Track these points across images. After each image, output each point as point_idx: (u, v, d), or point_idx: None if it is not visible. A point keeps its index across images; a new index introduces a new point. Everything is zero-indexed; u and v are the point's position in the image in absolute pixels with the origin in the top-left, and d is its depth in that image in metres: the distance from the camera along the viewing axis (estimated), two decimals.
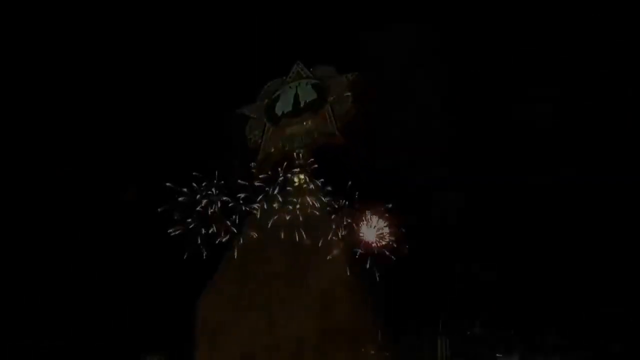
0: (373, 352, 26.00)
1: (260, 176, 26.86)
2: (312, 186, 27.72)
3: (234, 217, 26.60)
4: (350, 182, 26.48)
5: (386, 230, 26.18)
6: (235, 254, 26.55)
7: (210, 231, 26.25)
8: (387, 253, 25.94)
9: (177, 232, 25.94)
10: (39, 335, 27.96)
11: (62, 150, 29.21)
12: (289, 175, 27.58)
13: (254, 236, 26.84)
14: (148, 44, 32.53)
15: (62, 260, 27.92)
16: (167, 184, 25.72)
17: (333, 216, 27.15)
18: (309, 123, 27.19)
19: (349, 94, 26.59)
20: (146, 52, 32.70)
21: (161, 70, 31.99)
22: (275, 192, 27.11)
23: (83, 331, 29.07)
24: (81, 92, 31.63)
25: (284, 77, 28.62)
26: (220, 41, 32.19)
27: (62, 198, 28.03)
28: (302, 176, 27.21)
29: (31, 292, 27.60)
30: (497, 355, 28.91)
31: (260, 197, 27.16)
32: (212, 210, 26.65)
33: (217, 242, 26.42)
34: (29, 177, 28.19)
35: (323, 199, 27.40)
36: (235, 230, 27.06)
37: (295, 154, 27.17)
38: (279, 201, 27.11)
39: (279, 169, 27.22)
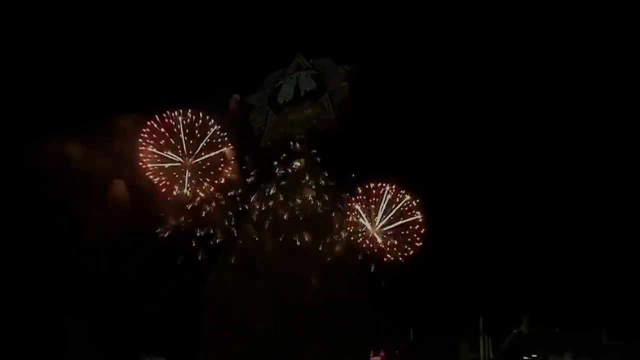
0: (382, 355, 26.09)
1: (252, 173, 26.57)
2: (311, 182, 27.25)
3: (229, 213, 26.04)
4: (353, 175, 26.22)
5: (393, 227, 25.32)
6: (233, 259, 26.30)
7: (203, 232, 25.69)
8: (391, 257, 25.11)
9: (166, 234, 25.54)
10: (39, 335, 27.88)
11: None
12: (289, 169, 27.32)
13: (255, 238, 26.44)
14: (153, 42, 32.27)
15: (62, 263, 27.69)
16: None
17: (334, 214, 26.47)
18: (309, 110, 28.37)
19: (346, 83, 27.49)
20: (151, 50, 32.45)
21: (165, 65, 31.81)
22: (272, 191, 26.71)
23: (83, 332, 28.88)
24: (84, 90, 31.44)
25: (286, 69, 29.60)
26: (225, 34, 32.02)
27: (61, 200, 27.69)
28: (302, 160, 27.45)
29: (30, 293, 27.50)
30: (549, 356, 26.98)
31: (256, 194, 26.65)
32: (208, 209, 25.92)
33: (211, 242, 25.87)
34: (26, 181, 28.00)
35: (326, 197, 26.79)
36: (235, 232, 26.43)
37: (293, 143, 27.87)
38: (277, 197, 26.64)
39: (275, 163, 27.04)
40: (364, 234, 25.54)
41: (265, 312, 25.21)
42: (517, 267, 28.10)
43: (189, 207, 25.62)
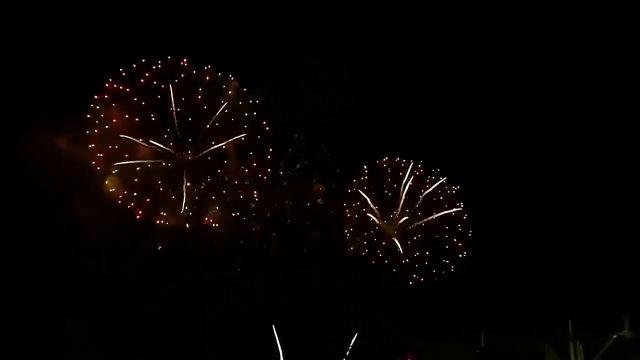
0: None
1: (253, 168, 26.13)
2: (315, 178, 26.85)
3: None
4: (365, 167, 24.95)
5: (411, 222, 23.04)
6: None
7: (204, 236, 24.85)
8: (420, 278, 22.77)
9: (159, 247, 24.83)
10: (39, 335, 27.82)
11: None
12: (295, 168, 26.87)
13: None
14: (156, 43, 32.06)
15: (62, 263, 27.60)
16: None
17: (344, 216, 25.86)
18: (309, 106, 27.73)
19: (345, 80, 27.06)
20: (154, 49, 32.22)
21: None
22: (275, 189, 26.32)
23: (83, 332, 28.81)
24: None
25: (286, 65, 28.79)
26: (226, 31, 31.87)
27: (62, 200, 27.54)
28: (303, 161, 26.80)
29: (30, 293, 27.40)
30: None
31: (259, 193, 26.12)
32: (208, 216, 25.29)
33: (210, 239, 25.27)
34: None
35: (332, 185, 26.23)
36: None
37: (295, 136, 27.32)
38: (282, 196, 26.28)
39: (280, 162, 26.28)
40: (375, 239, 22.01)
41: (269, 314, 24.92)
42: (604, 264, 26.50)
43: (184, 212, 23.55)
